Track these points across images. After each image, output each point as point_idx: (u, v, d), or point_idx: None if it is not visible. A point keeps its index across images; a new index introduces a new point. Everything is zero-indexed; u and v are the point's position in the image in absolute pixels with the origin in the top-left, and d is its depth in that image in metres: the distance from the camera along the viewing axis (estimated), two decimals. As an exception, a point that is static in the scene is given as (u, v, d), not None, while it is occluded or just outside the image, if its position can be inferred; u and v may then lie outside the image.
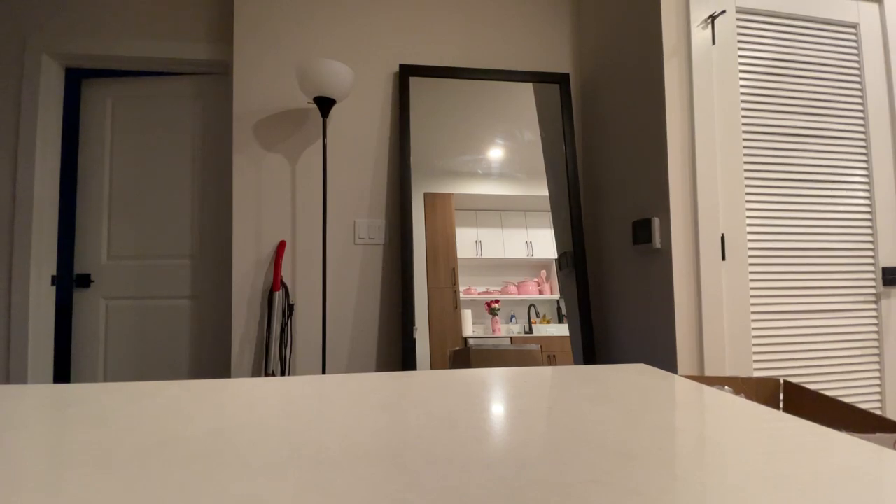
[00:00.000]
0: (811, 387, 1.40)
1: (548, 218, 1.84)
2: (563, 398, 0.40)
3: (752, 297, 1.41)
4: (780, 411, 0.37)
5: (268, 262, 1.79)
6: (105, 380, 2.06)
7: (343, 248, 1.84)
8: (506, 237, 1.82)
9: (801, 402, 1.12)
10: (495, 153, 1.86)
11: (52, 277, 2.01)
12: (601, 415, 0.36)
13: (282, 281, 1.77)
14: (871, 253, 1.50)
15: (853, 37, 1.54)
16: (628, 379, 0.48)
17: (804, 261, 1.45)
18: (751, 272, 1.41)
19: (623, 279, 1.70)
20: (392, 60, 1.92)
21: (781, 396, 1.17)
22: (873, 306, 1.49)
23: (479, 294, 1.77)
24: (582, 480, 0.24)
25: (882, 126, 1.53)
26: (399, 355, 1.84)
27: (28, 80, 1.91)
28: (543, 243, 1.82)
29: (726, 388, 1.18)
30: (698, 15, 1.44)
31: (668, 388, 0.44)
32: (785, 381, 1.18)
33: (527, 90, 1.92)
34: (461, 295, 1.74)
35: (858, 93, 1.53)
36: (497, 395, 0.42)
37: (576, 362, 1.75)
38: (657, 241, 1.46)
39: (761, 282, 1.42)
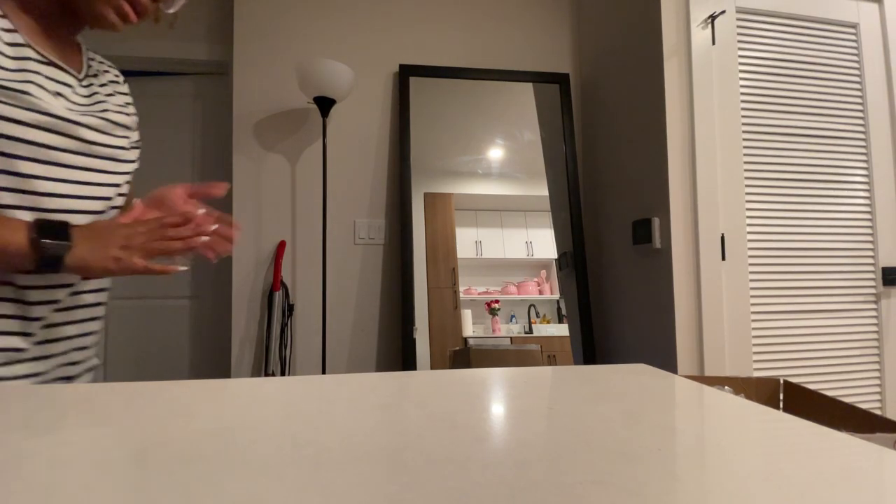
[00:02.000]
0: (811, 387, 1.40)
1: (548, 218, 1.84)
2: (563, 398, 0.40)
3: (752, 297, 1.41)
4: (780, 411, 0.36)
5: (268, 262, 1.79)
6: (105, 380, 2.06)
7: (343, 248, 1.84)
8: (506, 237, 1.82)
9: (801, 402, 1.12)
10: (495, 153, 1.86)
11: (52, 277, 2.01)
12: (601, 415, 0.36)
13: (282, 281, 1.77)
14: (871, 253, 1.50)
15: (853, 37, 1.54)
16: (628, 379, 0.48)
17: (804, 261, 1.45)
18: (751, 272, 1.41)
19: (623, 279, 1.70)
20: (392, 60, 1.92)
21: (781, 396, 1.17)
22: (873, 306, 1.49)
23: (479, 294, 1.77)
24: (582, 481, 0.24)
25: (882, 126, 1.53)
26: (399, 355, 1.83)
27: (28, 80, 1.90)
28: (543, 243, 1.82)
29: (726, 388, 1.18)
30: (698, 15, 1.44)
31: (668, 388, 0.44)
32: (785, 381, 1.18)
33: (527, 90, 1.92)
34: (461, 295, 1.74)
35: (858, 93, 1.53)
36: (497, 395, 0.42)
37: (576, 362, 1.75)
38: (657, 241, 1.46)
39: (761, 282, 1.42)
